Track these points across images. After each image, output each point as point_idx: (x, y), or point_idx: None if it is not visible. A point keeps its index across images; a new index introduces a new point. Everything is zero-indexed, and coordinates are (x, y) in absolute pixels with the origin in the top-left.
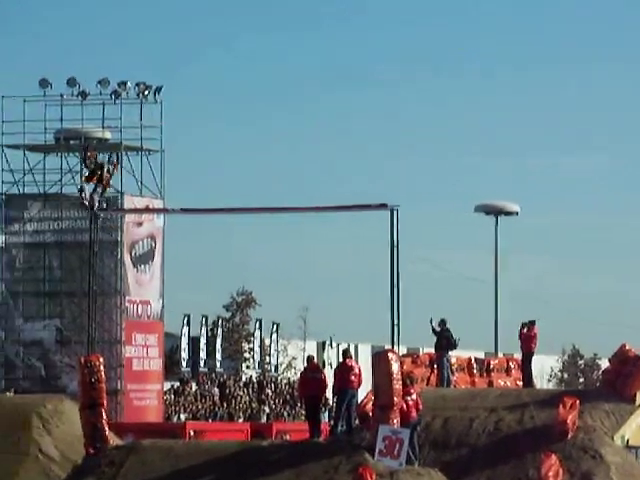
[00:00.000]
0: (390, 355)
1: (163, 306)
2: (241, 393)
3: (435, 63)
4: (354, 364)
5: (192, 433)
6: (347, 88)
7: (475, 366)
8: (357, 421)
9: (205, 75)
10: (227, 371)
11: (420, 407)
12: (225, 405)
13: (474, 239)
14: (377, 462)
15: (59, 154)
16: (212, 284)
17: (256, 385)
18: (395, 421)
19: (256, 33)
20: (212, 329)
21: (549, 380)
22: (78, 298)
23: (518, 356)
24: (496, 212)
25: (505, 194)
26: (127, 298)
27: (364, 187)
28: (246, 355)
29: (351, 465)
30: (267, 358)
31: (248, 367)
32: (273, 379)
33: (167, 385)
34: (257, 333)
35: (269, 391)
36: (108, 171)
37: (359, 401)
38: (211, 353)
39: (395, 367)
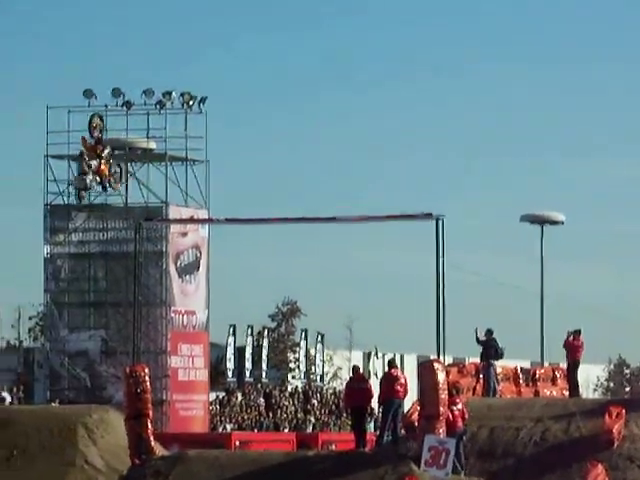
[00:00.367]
0: (436, 365)
1: (208, 316)
2: (287, 403)
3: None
4: (400, 374)
5: (238, 443)
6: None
7: (521, 376)
8: (403, 431)
9: (250, 85)
10: (273, 381)
11: (466, 417)
12: (271, 415)
13: (519, 248)
14: (423, 472)
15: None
16: (257, 294)
17: (302, 395)
18: (441, 431)
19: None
20: (258, 339)
21: (595, 389)
22: (123, 308)
23: (564, 365)
24: (541, 222)
25: (551, 203)
26: (172, 308)
27: (409, 196)
28: (292, 365)
29: (397, 475)
30: (313, 368)
31: (294, 377)
32: (319, 389)
33: (213, 395)
34: (303, 343)
35: (315, 401)
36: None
37: (405, 411)
38: (257, 363)
39: (441, 377)
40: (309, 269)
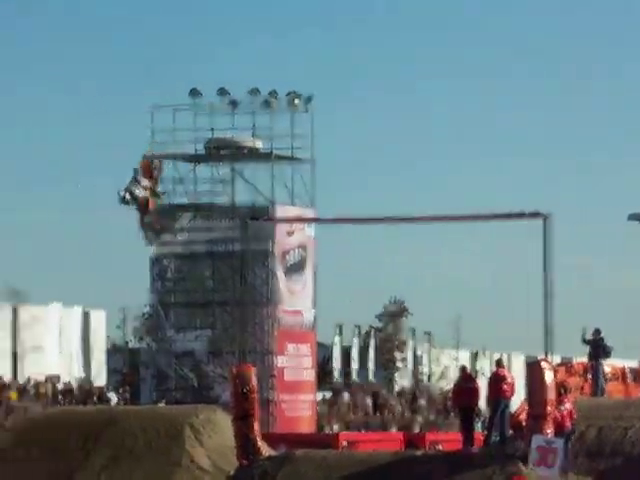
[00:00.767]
0: (544, 364)
1: (315, 316)
2: (394, 403)
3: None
4: (507, 374)
5: (345, 443)
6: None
7: (629, 375)
8: (511, 431)
9: (354, 85)
10: (380, 381)
11: (574, 417)
12: (378, 415)
13: (627, 247)
14: (531, 472)
15: (210, 164)
16: (364, 293)
17: (409, 395)
18: (549, 431)
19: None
20: (365, 339)
21: None
22: (230, 308)
23: None
24: None
25: None
26: (279, 308)
27: (515, 196)
28: (399, 365)
29: (505, 475)
30: (420, 368)
31: (401, 377)
32: (426, 389)
33: (320, 395)
34: (410, 343)
35: (422, 401)
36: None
37: (512, 411)
38: (364, 363)
39: (549, 376)
40: (416, 268)
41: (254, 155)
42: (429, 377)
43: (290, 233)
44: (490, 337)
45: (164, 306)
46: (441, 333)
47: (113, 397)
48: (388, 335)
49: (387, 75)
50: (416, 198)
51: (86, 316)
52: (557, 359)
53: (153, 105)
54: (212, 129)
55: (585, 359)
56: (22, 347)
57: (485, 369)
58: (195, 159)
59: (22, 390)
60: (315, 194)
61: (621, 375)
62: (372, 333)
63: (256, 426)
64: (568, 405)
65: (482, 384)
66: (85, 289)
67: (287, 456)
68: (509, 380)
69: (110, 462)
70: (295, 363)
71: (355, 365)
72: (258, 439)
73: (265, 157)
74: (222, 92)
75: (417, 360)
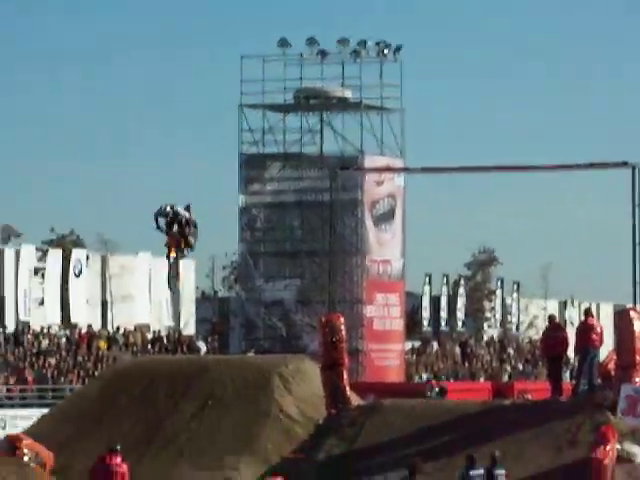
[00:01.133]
0: (632, 314)
1: (404, 265)
2: (482, 352)
3: None
4: (596, 323)
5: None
6: None
7: None
8: (599, 380)
9: (444, 34)
10: (468, 330)
11: None
12: (466, 364)
13: None
14: (619, 421)
15: (299, 113)
16: (453, 243)
17: (497, 344)
18: (638, 380)
19: None
20: (453, 288)
21: None
22: (319, 258)
23: None
24: None
25: None
26: (368, 257)
27: (604, 144)
28: (487, 314)
29: (593, 424)
30: (509, 317)
31: (489, 326)
32: (514, 338)
33: (408, 345)
34: (499, 292)
35: (511, 350)
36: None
37: (601, 360)
38: (452, 312)
39: (637, 326)
40: (505, 217)
41: (343, 105)
42: (517, 326)
43: (379, 183)
44: (579, 286)
45: (253, 255)
46: (530, 282)
47: (202, 346)
48: (477, 284)
49: (478, 23)
50: (504, 148)
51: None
52: None
53: (242, 55)
54: (301, 79)
55: None
56: (111, 296)
57: (574, 318)
58: (284, 109)
59: (111, 339)
60: (404, 144)
61: None
62: (461, 282)
63: (345, 375)
64: None
65: (570, 333)
66: None
67: (375, 405)
68: (598, 329)
69: (199, 411)
70: (384, 312)
71: (444, 314)
72: (347, 388)
73: (354, 107)
74: (311, 42)
75: (505, 309)
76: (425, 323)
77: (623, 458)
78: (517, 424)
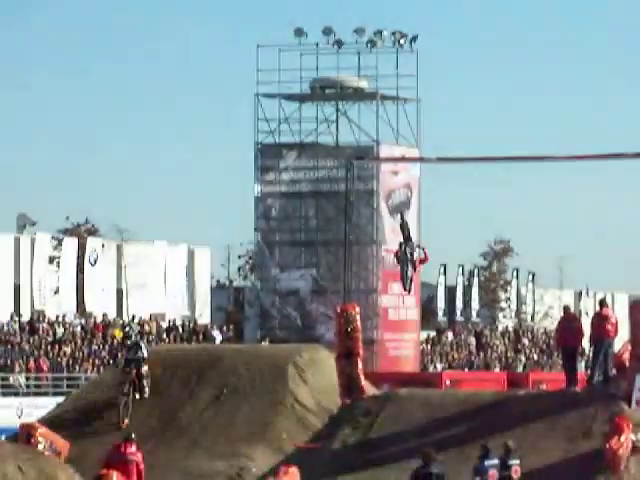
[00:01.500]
0: None
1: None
2: (497, 342)
3: None
4: (611, 313)
5: (448, 382)
6: None
7: None
8: (614, 371)
9: (461, 22)
10: (483, 320)
11: None
12: (481, 354)
13: None
14: (634, 411)
15: (314, 103)
16: (469, 233)
17: (512, 334)
18: None
19: None
20: (469, 278)
21: None
22: (334, 247)
23: None
24: None
25: None
26: (383, 247)
27: (620, 135)
28: (502, 304)
29: (608, 415)
30: (524, 307)
31: (505, 316)
32: (529, 328)
33: (423, 334)
34: (514, 282)
35: (525, 340)
36: None
37: (616, 350)
38: (467, 302)
39: None
40: (520, 208)
41: (359, 95)
42: (532, 317)
43: (395, 173)
44: (594, 277)
45: (268, 245)
46: (545, 272)
47: (217, 335)
48: (492, 274)
49: (494, 12)
50: (519, 137)
51: (191, 254)
52: None
53: (258, 44)
54: (317, 68)
55: None
56: (127, 285)
57: (588, 309)
58: (300, 98)
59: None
60: (420, 134)
61: None
62: (476, 272)
63: (360, 365)
64: None
65: (585, 324)
66: (190, 227)
67: (390, 395)
68: (613, 320)
69: (214, 400)
70: (399, 302)
71: (459, 304)
72: (362, 378)
73: (370, 96)
74: (327, 31)
75: (521, 300)
76: (440, 313)
77: (638, 448)
78: (531, 414)
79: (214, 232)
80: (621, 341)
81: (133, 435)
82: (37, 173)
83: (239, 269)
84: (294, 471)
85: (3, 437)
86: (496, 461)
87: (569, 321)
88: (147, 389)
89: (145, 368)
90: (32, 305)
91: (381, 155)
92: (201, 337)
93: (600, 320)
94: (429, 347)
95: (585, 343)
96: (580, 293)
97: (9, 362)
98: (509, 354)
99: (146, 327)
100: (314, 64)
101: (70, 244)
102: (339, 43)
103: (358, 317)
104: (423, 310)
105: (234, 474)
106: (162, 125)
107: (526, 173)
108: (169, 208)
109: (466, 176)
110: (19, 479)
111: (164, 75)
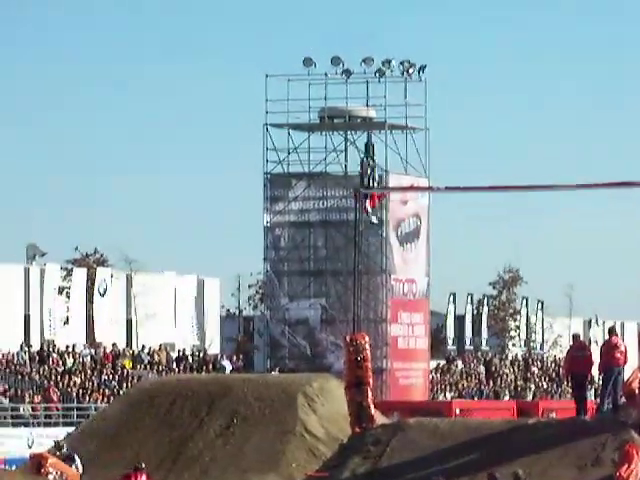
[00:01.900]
0: None
1: (429, 284)
2: (507, 371)
3: None
4: (620, 342)
5: (458, 411)
6: None
7: None
8: (623, 399)
9: (469, 51)
10: (493, 349)
11: None
12: (491, 383)
13: None
14: None
15: (323, 133)
16: (478, 262)
17: (522, 363)
18: None
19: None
20: (478, 307)
21: None
22: (343, 277)
23: None
24: None
25: None
26: (393, 276)
27: (629, 163)
28: (512, 333)
29: (618, 443)
30: (533, 336)
31: (514, 345)
32: (539, 357)
33: (433, 363)
34: (523, 311)
35: (535, 369)
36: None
37: (625, 379)
38: (477, 331)
39: None
40: (529, 237)
41: (367, 124)
42: (542, 345)
43: (404, 202)
44: (603, 305)
45: (278, 274)
46: (554, 301)
47: (227, 365)
48: (502, 303)
49: (501, 43)
50: (528, 167)
51: (200, 284)
52: None
53: (267, 74)
54: (326, 98)
55: None
56: (136, 315)
57: (598, 337)
58: (309, 128)
59: (136, 358)
60: (429, 163)
61: None
62: (485, 301)
63: (370, 394)
64: None
65: (595, 352)
66: (199, 257)
67: (400, 424)
68: (622, 348)
69: (224, 430)
70: (408, 331)
71: (468, 333)
72: (371, 407)
73: (378, 126)
74: (336, 61)
75: (530, 328)
76: (449, 342)
77: None
78: (541, 443)
79: (223, 262)
80: (630, 369)
81: (144, 465)
82: (46, 203)
83: (249, 299)
84: None
85: (14, 467)
86: None
87: (578, 349)
88: None
89: None
90: (42, 335)
91: (390, 184)
92: (211, 367)
93: (609, 348)
94: (439, 376)
95: (594, 371)
96: (589, 321)
97: (19, 392)
98: (519, 383)
99: (156, 357)
100: (323, 94)
101: (79, 274)
102: (347, 73)
103: (368, 346)
104: (432, 339)
105: None
106: (171, 155)
107: (535, 201)
108: (178, 238)
109: (475, 205)
110: None
111: (173, 104)
